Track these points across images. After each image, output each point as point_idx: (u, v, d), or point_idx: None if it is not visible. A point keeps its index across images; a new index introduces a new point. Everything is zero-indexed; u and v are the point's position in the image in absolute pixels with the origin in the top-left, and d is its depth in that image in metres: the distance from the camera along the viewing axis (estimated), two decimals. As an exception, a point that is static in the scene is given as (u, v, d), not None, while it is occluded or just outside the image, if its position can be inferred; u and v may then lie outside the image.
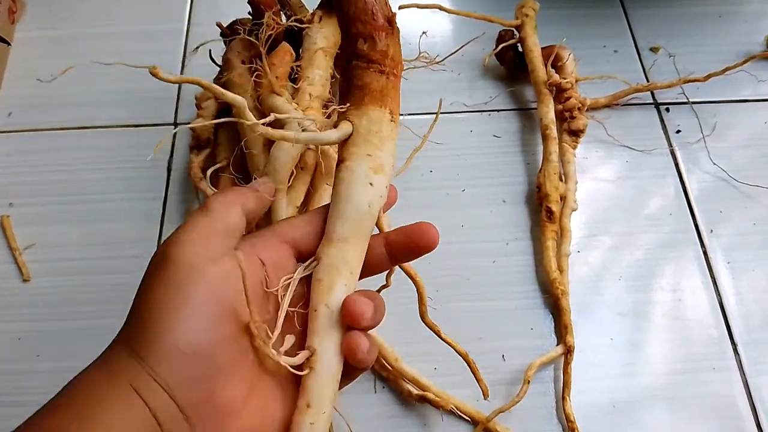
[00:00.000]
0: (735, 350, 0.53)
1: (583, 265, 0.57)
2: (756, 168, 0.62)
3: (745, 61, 0.62)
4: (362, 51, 0.35)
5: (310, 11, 0.59)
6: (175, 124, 0.66)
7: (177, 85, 0.69)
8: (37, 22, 0.74)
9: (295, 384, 0.33)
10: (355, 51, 0.35)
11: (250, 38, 0.52)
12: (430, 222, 0.35)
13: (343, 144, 0.35)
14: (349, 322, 0.33)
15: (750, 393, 0.51)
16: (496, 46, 0.66)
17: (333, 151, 0.52)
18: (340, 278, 0.33)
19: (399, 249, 0.35)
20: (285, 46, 0.55)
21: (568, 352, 0.52)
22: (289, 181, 0.51)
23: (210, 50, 0.62)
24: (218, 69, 0.61)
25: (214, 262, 0.31)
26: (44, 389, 0.50)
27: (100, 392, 0.29)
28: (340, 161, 0.35)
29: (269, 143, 0.54)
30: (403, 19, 0.70)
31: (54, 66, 0.70)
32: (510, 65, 0.68)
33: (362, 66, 0.35)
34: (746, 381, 0.52)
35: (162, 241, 0.58)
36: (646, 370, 0.52)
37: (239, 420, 0.31)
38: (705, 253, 0.58)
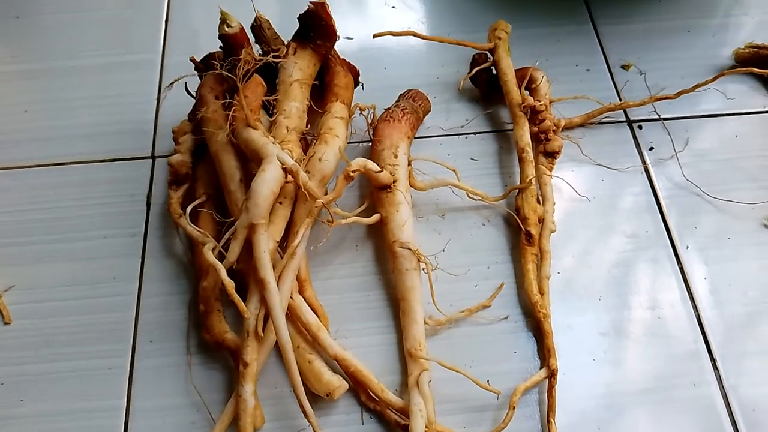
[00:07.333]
0: (714, 365, 0.54)
1: (563, 286, 0.58)
2: (728, 182, 0.64)
3: (715, 78, 0.63)
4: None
5: (285, 42, 0.60)
6: (153, 157, 0.66)
7: (154, 117, 0.69)
8: (4, 56, 0.74)
9: None
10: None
11: (226, 73, 0.52)
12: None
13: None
14: None
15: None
16: (471, 70, 0.67)
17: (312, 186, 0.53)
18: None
19: None
20: (256, 78, 0.56)
21: (552, 375, 0.52)
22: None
23: (186, 83, 0.62)
24: (194, 102, 0.61)
25: None
26: (29, 434, 0.51)
27: None
28: None
29: (247, 179, 0.54)
30: (378, 44, 0.71)
31: (24, 101, 0.70)
32: (485, 87, 0.68)
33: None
34: (725, 393, 0.53)
35: (143, 278, 0.58)
36: (628, 388, 0.53)
37: None
38: (681, 269, 0.59)
